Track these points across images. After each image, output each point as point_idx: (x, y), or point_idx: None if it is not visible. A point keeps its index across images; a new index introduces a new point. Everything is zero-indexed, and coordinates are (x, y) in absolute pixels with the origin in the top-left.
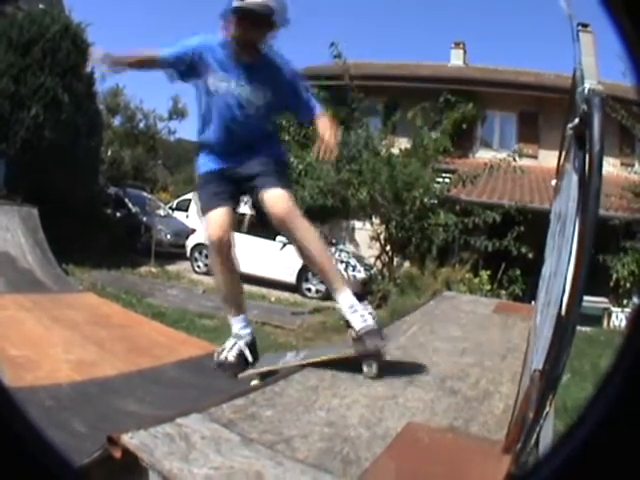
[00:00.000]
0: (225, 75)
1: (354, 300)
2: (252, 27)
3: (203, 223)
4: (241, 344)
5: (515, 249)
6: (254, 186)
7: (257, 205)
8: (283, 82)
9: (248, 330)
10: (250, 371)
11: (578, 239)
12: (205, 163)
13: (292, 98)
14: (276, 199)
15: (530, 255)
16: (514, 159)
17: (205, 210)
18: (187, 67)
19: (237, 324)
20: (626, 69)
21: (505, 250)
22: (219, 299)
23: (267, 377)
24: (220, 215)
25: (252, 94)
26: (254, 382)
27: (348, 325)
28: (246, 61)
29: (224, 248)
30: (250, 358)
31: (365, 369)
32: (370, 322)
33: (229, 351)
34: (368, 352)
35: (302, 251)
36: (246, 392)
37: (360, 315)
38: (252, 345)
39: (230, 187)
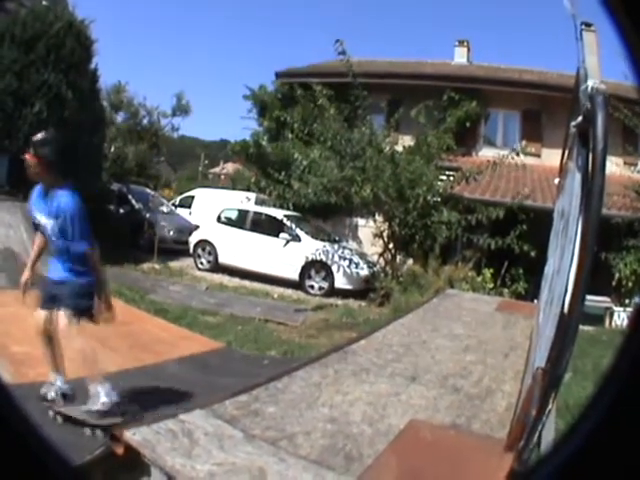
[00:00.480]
0: (38, 210)
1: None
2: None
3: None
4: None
5: (518, 247)
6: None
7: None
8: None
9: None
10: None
11: (581, 237)
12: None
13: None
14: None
15: (532, 253)
16: (517, 154)
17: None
18: None
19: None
20: (627, 69)
21: (508, 248)
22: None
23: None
24: (41, 315)
25: (50, 224)
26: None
27: None
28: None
29: (46, 337)
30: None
31: None
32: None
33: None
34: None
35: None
36: (249, 388)
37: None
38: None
39: (50, 294)
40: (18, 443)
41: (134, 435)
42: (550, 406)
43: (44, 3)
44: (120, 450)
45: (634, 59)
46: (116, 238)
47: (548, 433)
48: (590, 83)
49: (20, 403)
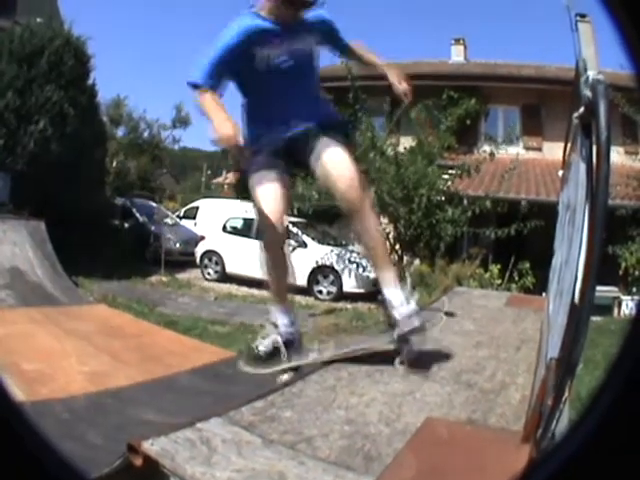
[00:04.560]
0: (272, 44)
1: (396, 283)
2: None
3: (254, 207)
4: (277, 337)
5: (525, 229)
6: (312, 147)
7: (307, 165)
8: (322, 27)
9: (287, 324)
10: (280, 366)
11: (589, 224)
12: (252, 138)
13: (329, 38)
14: (345, 179)
15: (542, 224)
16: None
17: (255, 191)
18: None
19: (276, 314)
20: (625, 61)
21: (516, 236)
22: (267, 285)
23: (298, 371)
24: (273, 200)
25: (300, 48)
26: (285, 377)
27: (388, 307)
28: (292, 21)
29: (276, 240)
30: (284, 354)
31: (397, 363)
32: (412, 305)
33: (261, 342)
34: (405, 334)
35: (360, 236)
36: (264, 394)
37: (404, 297)
38: (291, 342)
39: (280, 161)
40: (34, 460)
41: (152, 445)
42: (567, 393)
43: (39, 20)
44: (139, 462)
45: (633, 55)
46: (122, 252)
47: (562, 424)
48: (591, 73)
49: (35, 419)
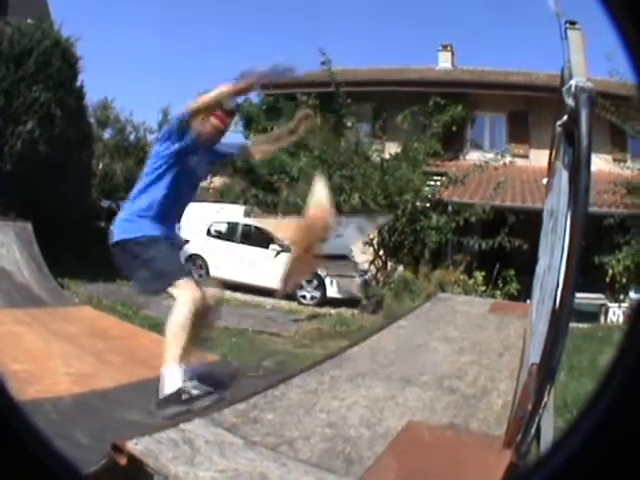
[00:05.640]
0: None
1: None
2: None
3: (174, 288)
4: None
5: (509, 244)
6: None
7: None
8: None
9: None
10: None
11: (570, 231)
12: (143, 227)
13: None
14: None
15: (524, 246)
16: (502, 157)
17: (175, 276)
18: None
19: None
20: (625, 68)
21: (499, 247)
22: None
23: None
24: (192, 281)
25: (210, 167)
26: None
27: None
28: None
29: (202, 309)
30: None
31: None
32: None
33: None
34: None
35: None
36: (247, 397)
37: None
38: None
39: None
40: (30, 456)
41: (136, 445)
42: (546, 399)
43: (29, 21)
44: (123, 461)
45: (633, 57)
46: (107, 255)
47: (547, 431)
48: (573, 82)
49: (30, 417)
